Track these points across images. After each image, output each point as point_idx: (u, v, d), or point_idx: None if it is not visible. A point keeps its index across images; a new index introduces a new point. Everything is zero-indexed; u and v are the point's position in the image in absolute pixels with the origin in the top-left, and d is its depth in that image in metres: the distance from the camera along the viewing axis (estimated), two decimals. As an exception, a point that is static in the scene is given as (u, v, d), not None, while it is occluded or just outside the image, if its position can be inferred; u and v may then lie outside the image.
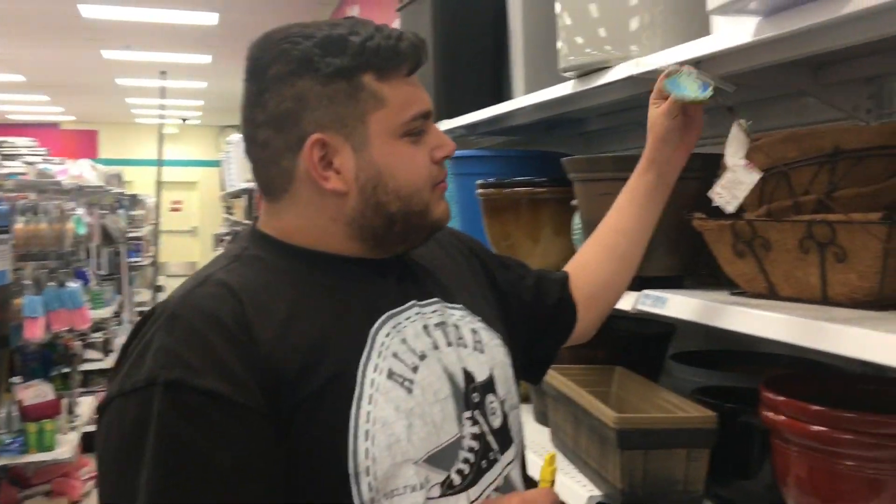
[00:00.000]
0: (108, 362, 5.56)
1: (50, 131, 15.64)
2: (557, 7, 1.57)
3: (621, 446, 1.30)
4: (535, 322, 1.25)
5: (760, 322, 1.09)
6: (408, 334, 0.99)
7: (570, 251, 1.84)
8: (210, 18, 7.77)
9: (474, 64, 2.44)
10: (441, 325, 1.04)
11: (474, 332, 1.08)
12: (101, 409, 0.89)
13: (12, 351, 3.77)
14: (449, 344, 1.03)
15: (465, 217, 2.26)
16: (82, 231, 3.74)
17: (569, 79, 1.63)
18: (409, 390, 0.94)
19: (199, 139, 17.51)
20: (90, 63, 10.07)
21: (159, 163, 5.20)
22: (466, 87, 2.47)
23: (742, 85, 1.59)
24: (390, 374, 0.94)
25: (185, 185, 17.49)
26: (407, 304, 1.02)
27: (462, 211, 2.27)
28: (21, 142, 5.15)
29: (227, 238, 12.60)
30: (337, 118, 0.96)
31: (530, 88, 1.98)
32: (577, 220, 1.66)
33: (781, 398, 1.14)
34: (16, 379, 3.65)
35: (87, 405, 4.45)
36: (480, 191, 1.94)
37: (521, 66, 2.07)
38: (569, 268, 1.34)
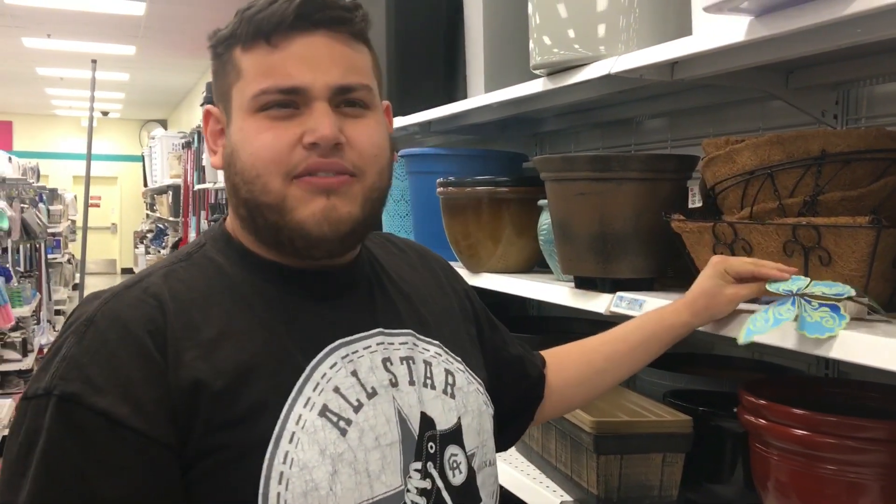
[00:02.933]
0: (27, 363, 5.31)
1: (-39, 121, 14.95)
2: (530, 5, 1.54)
3: (598, 451, 1.28)
4: (503, 396, 1.08)
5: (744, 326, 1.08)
6: (361, 366, 0.88)
7: (533, 251, 1.81)
8: (137, 8, 7.52)
9: (429, 61, 2.40)
10: (408, 359, 0.92)
11: (448, 373, 0.95)
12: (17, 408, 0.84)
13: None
14: (412, 382, 0.91)
15: (422, 217, 2.21)
16: (5, 225, 3.53)
17: (538, 76, 1.60)
18: (343, 432, 0.83)
19: (120, 133, 16.98)
20: (10, 50, 9.63)
21: (88, 157, 4.96)
22: (420, 85, 2.43)
23: (711, 87, 1.60)
24: (323, 412, 0.83)
25: (105, 180, 16.93)
26: (370, 332, 0.91)
27: (419, 210, 2.23)
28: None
29: (149, 235, 12.27)
30: (218, 92, 0.91)
31: (491, 87, 1.95)
32: (543, 221, 1.63)
33: (763, 402, 1.14)
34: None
35: (5, 408, 4.22)
36: (440, 189, 1.90)
37: (480, 64, 2.04)
38: (547, 358, 1.21)
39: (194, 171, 7.01)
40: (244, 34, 0.87)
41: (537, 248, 1.74)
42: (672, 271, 1.46)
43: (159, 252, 10.42)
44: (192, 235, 7.47)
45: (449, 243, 1.92)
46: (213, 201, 6.24)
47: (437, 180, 1.92)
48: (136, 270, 13.69)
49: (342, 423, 0.83)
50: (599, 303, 1.39)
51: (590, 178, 1.36)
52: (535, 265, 1.87)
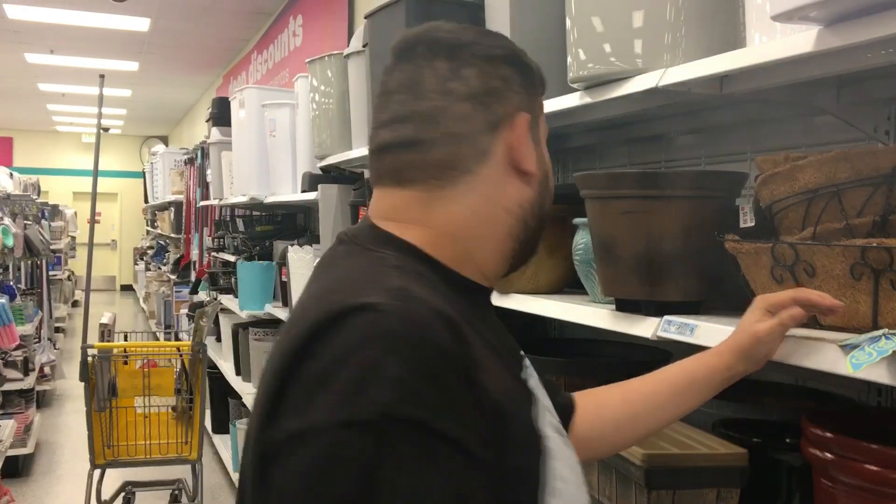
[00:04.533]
0: (29, 382, 5.22)
1: (-40, 137, 14.91)
2: (568, 19, 1.49)
3: (649, 486, 1.21)
4: None
5: (815, 354, 1.01)
6: (533, 379, 0.93)
7: (565, 272, 1.75)
8: (141, 24, 7.49)
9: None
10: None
11: None
12: (291, 439, 0.68)
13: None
14: None
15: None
16: (10, 242, 3.46)
17: (575, 90, 1.54)
18: (570, 447, 0.88)
19: (121, 149, 16.95)
20: (12, 66, 9.60)
21: (95, 173, 4.90)
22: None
23: (752, 102, 1.54)
24: (554, 427, 0.86)
25: (106, 196, 16.89)
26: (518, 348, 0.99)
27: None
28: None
29: (150, 251, 12.17)
30: (531, 107, 0.93)
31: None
32: (580, 240, 1.57)
33: (831, 435, 1.07)
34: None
35: (8, 429, 4.13)
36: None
37: (506, 78, 1.98)
38: (582, 400, 1.15)
39: (197, 187, 6.95)
40: (543, 83, 0.97)
41: (569, 267, 1.67)
42: (720, 295, 1.40)
43: (160, 269, 10.33)
44: (194, 252, 7.39)
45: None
46: (217, 217, 6.17)
47: (464, 198, 1.85)
48: (136, 287, 13.63)
49: (564, 439, 0.87)
50: (644, 327, 1.32)
51: (636, 196, 1.29)
52: (565, 286, 1.80)
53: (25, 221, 5.01)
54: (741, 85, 1.29)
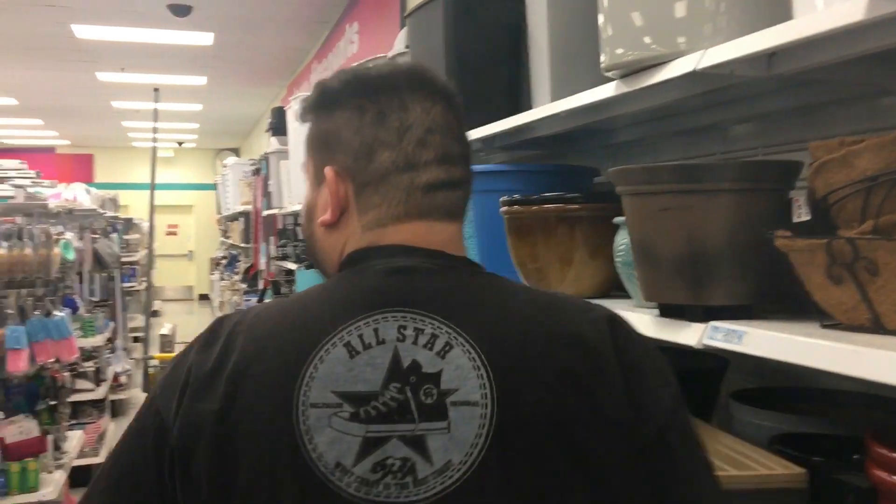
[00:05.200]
0: (100, 392, 5.33)
1: (46, 156, 15.50)
2: (600, 3, 1.38)
3: (695, 510, 1.09)
4: None
5: (885, 365, 0.88)
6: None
7: (608, 274, 1.64)
8: (205, 38, 7.62)
9: (491, 73, 2.26)
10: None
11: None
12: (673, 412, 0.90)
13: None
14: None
15: (487, 238, 2.05)
16: (71, 256, 3.53)
17: (612, 79, 1.43)
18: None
19: (195, 162, 17.37)
20: (85, 85, 9.91)
21: (152, 186, 5.01)
22: (482, 98, 2.28)
23: (810, 84, 1.40)
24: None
25: (181, 208, 17.34)
26: None
27: (483, 231, 2.07)
28: (9, 164, 4.94)
29: (223, 261, 12.44)
30: None
31: (558, 94, 1.78)
32: (620, 240, 1.45)
33: (900, 456, 0.94)
34: (-2, 414, 3.43)
35: (75, 439, 4.21)
36: (504, 208, 1.74)
37: (545, 71, 1.88)
38: None
39: (262, 197, 7.02)
40: None
41: (613, 270, 1.56)
42: (773, 297, 1.27)
43: (232, 278, 10.51)
44: (262, 261, 7.47)
45: (514, 267, 1.76)
46: (280, 226, 6.22)
47: (501, 199, 1.76)
48: (212, 296, 13.98)
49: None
50: (689, 334, 1.20)
51: (675, 191, 1.18)
52: (610, 290, 1.69)
53: (94, 235, 5.14)
54: (791, 64, 1.16)
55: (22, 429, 3.28)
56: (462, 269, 0.93)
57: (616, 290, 1.65)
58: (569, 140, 2.27)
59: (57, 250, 3.35)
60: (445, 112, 0.95)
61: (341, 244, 0.95)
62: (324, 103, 0.97)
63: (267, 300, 6.34)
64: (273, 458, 0.79)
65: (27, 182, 4.97)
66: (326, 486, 0.77)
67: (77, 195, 7.44)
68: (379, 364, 0.81)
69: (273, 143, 5.50)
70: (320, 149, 0.97)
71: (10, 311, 3.25)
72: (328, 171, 0.94)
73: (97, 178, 16.47)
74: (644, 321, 1.33)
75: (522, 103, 2.16)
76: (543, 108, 1.81)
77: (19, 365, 3.18)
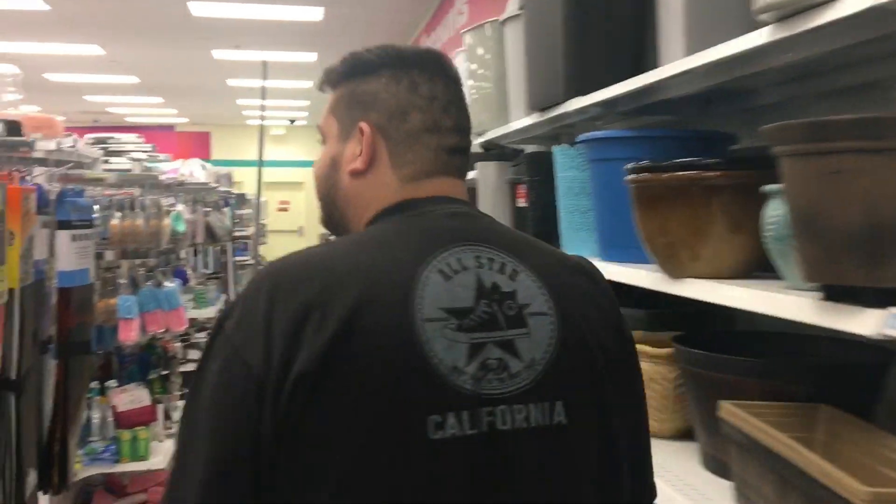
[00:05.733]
0: (211, 364, 5.40)
1: (166, 133, 16.06)
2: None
3: (872, 534, 0.90)
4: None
5: None
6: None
7: (752, 252, 1.44)
8: (315, 14, 7.63)
9: (611, 30, 2.07)
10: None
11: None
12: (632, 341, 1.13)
13: (108, 353, 3.62)
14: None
15: (606, 211, 1.88)
16: (182, 229, 3.56)
17: (762, 24, 1.23)
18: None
19: (306, 140, 17.65)
20: (201, 63, 10.15)
21: (259, 163, 5.04)
22: (600, 58, 2.10)
23: None
24: None
25: (292, 185, 17.69)
26: None
27: (603, 203, 1.90)
28: (127, 138, 5.05)
29: (331, 238, 12.52)
30: None
31: (694, 48, 1.58)
32: (772, 212, 1.26)
33: None
34: (111, 383, 3.49)
35: (180, 409, 4.27)
36: (632, 177, 1.56)
37: (678, 22, 1.68)
38: None
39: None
40: None
41: (757, 247, 1.37)
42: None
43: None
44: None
45: (641, 242, 1.58)
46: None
47: (628, 166, 1.58)
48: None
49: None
50: (863, 322, 1.01)
51: (851, 151, 0.98)
52: (753, 269, 1.49)
53: (206, 209, 5.22)
54: None
55: (133, 397, 3.33)
56: (486, 215, 1.12)
57: (761, 269, 1.45)
58: (701, 103, 2.05)
59: (167, 222, 3.37)
60: (458, 91, 1.14)
61: (371, 193, 1.10)
62: (360, 70, 1.12)
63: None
64: (406, 369, 0.91)
65: (143, 156, 5.06)
66: (447, 384, 0.91)
67: (193, 170, 7.62)
68: (468, 285, 0.97)
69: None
70: (354, 107, 1.11)
71: (122, 281, 3.29)
72: (364, 124, 1.09)
73: (213, 155, 16.96)
74: (802, 305, 1.14)
75: (647, 63, 1.96)
76: (676, 65, 1.62)
77: (130, 335, 3.22)
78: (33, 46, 8.90)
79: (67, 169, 3.11)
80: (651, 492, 1.12)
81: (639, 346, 1.66)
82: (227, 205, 7.02)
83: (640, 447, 1.10)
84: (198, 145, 16.73)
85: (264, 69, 5.46)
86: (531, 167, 2.50)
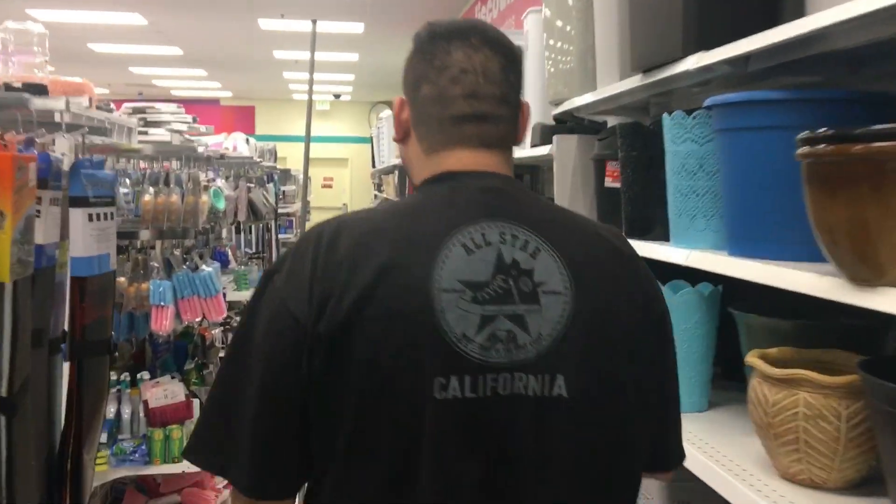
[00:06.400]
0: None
1: (210, 107, 15.90)
2: None
3: None
4: None
5: None
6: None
7: None
8: (365, -20, 7.25)
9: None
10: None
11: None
12: (666, 312, 1.19)
13: (142, 341, 3.32)
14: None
15: (746, 194, 1.48)
16: (221, 205, 3.24)
17: None
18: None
19: (350, 116, 17.34)
20: (246, 34, 9.87)
21: (307, 138, 4.77)
22: (728, 7, 1.70)
23: None
24: None
25: (337, 161, 17.43)
26: None
27: (737, 184, 1.50)
28: (166, 108, 4.75)
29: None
30: None
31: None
32: None
33: None
34: (144, 374, 3.19)
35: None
36: (805, 149, 1.17)
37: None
38: None
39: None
40: None
41: None
42: None
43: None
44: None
45: (816, 236, 1.19)
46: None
47: (801, 136, 1.19)
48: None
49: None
50: None
51: None
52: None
53: (249, 185, 4.91)
54: None
55: (167, 392, 3.02)
56: (523, 189, 1.19)
57: None
58: (856, 62, 1.64)
59: (205, 198, 3.04)
60: (489, 59, 1.12)
61: (411, 162, 1.19)
62: (413, 46, 1.17)
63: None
64: (418, 333, 0.99)
65: (183, 127, 4.76)
66: (458, 352, 0.99)
67: (237, 144, 7.34)
68: (488, 260, 1.03)
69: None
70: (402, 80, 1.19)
71: (154, 264, 2.97)
72: (398, 98, 1.18)
73: (257, 130, 16.76)
74: None
75: (785, 12, 1.57)
76: (841, 9, 1.22)
77: (164, 324, 2.90)
78: (75, 15, 8.68)
79: (96, 140, 2.80)
80: (677, 457, 1.20)
81: (792, 371, 1.29)
82: (271, 180, 6.72)
83: (665, 417, 1.16)
84: (242, 119, 16.55)
85: (313, 35, 5.11)
86: (627, 140, 2.10)
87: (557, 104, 2.84)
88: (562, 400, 1.00)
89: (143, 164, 3.46)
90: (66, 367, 1.76)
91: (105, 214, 1.86)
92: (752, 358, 1.37)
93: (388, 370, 0.98)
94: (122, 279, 2.94)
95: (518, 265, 1.03)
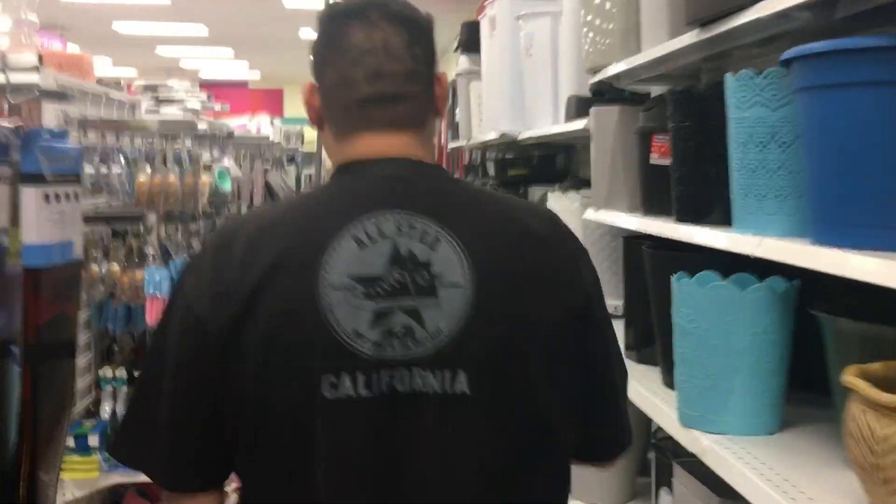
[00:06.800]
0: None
1: (239, 90, 15.77)
2: None
3: None
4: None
5: None
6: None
7: None
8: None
9: None
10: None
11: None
12: (597, 291, 1.18)
13: (143, 334, 3.08)
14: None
15: (837, 168, 1.17)
16: (227, 187, 2.99)
17: None
18: None
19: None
20: (272, 12, 9.62)
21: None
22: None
23: None
24: None
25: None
26: None
27: (828, 156, 1.19)
28: (179, 85, 4.51)
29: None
30: None
31: None
32: None
33: None
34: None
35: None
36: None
37: None
38: None
39: (448, 128, 6.36)
40: None
41: None
42: None
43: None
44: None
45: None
46: (466, 161, 5.54)
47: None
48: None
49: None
50: None
51: None
52: None
53: (266, 167, 4.66)
54: None
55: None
56: (433, 175, 1.14)
57: None
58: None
59: (206, 178, 2.77)
60: (390, 34, 1.09)
61: (326, 145, 1.18)
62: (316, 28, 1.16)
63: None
64: (305, 331, 0.99)
65: (197, 105, 4.51)
66: (348, 349, 0.98)
67: (261, 126, 7.14)
68: (383, 252, 1.01)
69: (462, 62, 4.75)
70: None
71: (150, 251, 2.71)
72: (307, 83, 1.16)
73: (286, 112, 16.60)
74: None
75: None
76: None
77: (157, 317, 2.65)
78: (98, -7, 8.50)
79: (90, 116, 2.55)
80: (617, 446, 1.19)
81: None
82: (292, 162, 6.47)
83: (596, 408, 1.13)
84: (271, 102, 16.39)
85: None
86: (680, 108, 1.78)
87: (595, 72, 2.52)
88: (465, 397, 0.98)
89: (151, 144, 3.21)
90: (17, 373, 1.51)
91: (67, 195, 1.60)
92: (852, 378, 1.07)
93: (278, 369, 0.99)
94: (115, 267, 2.69)
95: (415, 257, 1.01)
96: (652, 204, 2.07)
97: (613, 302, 2.41)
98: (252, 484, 1.06)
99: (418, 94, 1.11)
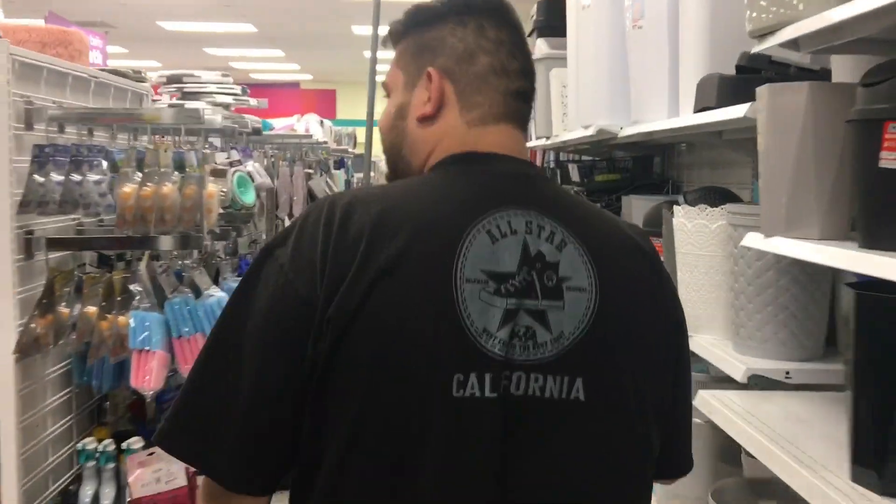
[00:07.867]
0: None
1: (291, 91, 15.42)
2: None
3: None
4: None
5: None
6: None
7: None
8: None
9: None
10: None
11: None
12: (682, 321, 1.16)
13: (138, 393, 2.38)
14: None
15: None
16: (250, 200, 2.28)
17: None
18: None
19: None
20: (321, 6, 9.05)
21: (369, 120, 3.99)
22: None
23: None
24: None
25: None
26: None
27: None
28: (207, 76, 3.85)
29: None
30: None
31: None
32: None
33: None
34: (133, 442, 2.20)
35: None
36: None
37: None
38: None
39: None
40: None
41: None
42: None
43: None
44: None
45: None
46: (541, 164, 4.79)
47: None
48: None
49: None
50: None
51: None
52: None
53: (308, 171, 3.99)
54: None
55: (161, 474, 2.03)
56: (544, 177, 1.19)
57: None
58: None
59: (213, 189, 2.05)
60: (522, 38, 1.14)
61: (436, 138, 1.09)
62: (424, 19, 1.13)
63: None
64: (434, 323, 0.93)
65: (228, 99, 3.84)
66: (479, 347, 0.94)
67: (310, 126, 6.54)
68: (513, 250, 0.98)
69: (540, 46, 3.98)
70: (421, 55, 1.11)
71: (136, 288, 1.99)
72: (432, 69, 1.10)
73: (339, 114, 16.16)
74: None
75: None
76: None
77: (148, 378, 1.90)
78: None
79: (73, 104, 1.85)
80: (686, 465, 1.18)
81: None
82: (341, 166, 5.79)
83: (677, 425, 1.13)
84: (323, 103, 15.98)
85: (376, 5, 4.27)
86: None
87: (763, 36, 1.73)
88: (579, 403, 0.97)
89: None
90: None
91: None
92: None
93: (402, 361, 0.93)
94: (91, 309, 1.98)
95: (543, 257, 0.99)
96: (882, 221, 1.29)
97: (781, 365, 1.74)
98: (339, 483, 0.94)
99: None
